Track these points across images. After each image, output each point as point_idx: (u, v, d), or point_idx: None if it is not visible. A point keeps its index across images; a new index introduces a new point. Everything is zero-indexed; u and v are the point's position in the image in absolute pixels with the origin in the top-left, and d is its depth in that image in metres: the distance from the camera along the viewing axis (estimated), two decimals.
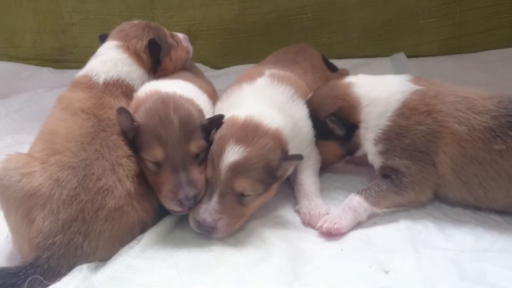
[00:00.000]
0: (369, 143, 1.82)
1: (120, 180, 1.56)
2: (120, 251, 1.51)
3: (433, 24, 3.40)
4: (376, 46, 3.41)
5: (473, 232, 1.58)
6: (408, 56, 3.29)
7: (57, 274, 1.42)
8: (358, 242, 1.56)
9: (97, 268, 1.44)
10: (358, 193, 1.72)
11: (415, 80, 1.86)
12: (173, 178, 1.56)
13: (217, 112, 1.80)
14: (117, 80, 1.90)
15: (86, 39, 3.36)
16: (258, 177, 1.59)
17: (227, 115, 1.72)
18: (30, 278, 1.38)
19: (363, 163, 1.95)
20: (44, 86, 3.19)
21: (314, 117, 1.91)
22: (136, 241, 1.55)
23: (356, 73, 2.04)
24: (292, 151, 1.72)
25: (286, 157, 1.65)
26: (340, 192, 1.86)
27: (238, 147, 1.58)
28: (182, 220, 1.70)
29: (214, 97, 2.06)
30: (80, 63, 3.44)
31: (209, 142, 1.67)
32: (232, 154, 1.57)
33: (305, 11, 3.35)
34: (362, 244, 1.55)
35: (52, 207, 1.46)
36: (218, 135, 1.65)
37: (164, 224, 1.65)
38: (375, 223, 1.67)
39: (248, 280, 1.41)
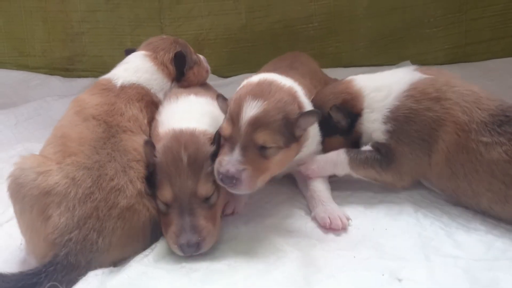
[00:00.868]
0: (377, 122, 1.85)
1: (131, 181, 1.62)
2: (134, 258, 1.54)
3: (439, 33, 3.41)
4: (383, 55, 3.42)
5: (484, 240, 1.58)
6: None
7: (76, 270, 1.46)
8: (370, 250, 1.57)
9: (111, 274, 1.46)
10: (346, 151, 1.86)
11: (423, 70, 1.91)
12: (178, 220, 1.57)
13: None
14: (133, 84, 1.98)
15: (95, 48, 3.39)
16: (278, 129, 1.62)
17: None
18: (50, 276, 1.43)
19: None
20: (53, 95, 3.21)
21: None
22: (150, 250, 1.57)
23: None
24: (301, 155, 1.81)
25: (303, 113, 1.68)
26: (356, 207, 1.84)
27: (256, 101, 1.62)
28: None
29: None
30: (89, 72, 3.54)
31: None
32: (251, 109, 1.61)
33: (312, 20, 3.37)
34: (373, 251, 1.56)
35: (68, 205, 1.52)
36: (235, 95, 1.69)
37: None
38: (386, 229, 1.68)
39: None
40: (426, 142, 1.76)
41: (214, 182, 1.62)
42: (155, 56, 2.12)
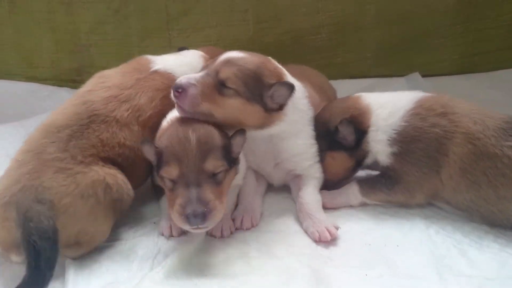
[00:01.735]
0: (382, 144, 1.84)
1: (72, 157, 1.71)
2: (145, 275, 1.54)
3: (446, 43, 3.39)
4: (391, 66, 3.41)
5: (498, 258, 1.57)
6: (423, 75, 3.29)
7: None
8: (382, 267, 1.56)
9: None
10: (357, 181, 1.89)
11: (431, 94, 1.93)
12: (184, 193, 1.56)
13: None
14: (167, 73, 2.01)
15: (103, 59, 3.39)
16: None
17: None
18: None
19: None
20: None
21: (324, 129, 1.92)
22: (161, 267, 1.57)
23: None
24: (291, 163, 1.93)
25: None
26: (366, 223, 1.86)
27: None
28: (206, 245, 1.71)
29: None
30: None
31: (231, 163, 1.68)
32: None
33: (320, 31, 3.36)
34: (386, 269, 1.55)
35: (7, 174, 1.67)
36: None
37: (188, 249, 1.66)
38: (398, 246, 1.67)
39: None
40: (433, 158, 1.76)
41: (223, 160, 1.63)
42: (208, 59, 2.13)
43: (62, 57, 3.49)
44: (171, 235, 1.77)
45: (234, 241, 1.73)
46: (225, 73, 1.70)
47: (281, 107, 1.79)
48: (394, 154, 1.82)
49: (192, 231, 1.61)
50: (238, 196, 1.95)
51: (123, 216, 1.84)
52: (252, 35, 3.37)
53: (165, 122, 1.82)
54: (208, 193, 1.57)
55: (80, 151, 1.71)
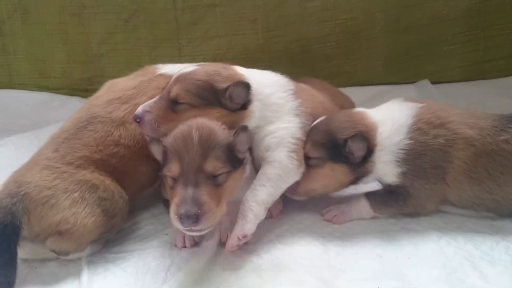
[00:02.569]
0: (390, 165, 1.84)
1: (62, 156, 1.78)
2: None
3: (457, 51, 3.40)
4: (400, 73, 3.41)
5: (509, 271, 1.57)
6: (432, 83, 3.29)
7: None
8: (394, 281, 1.55)
9: None
10: (366, 196, 1.91)
11: (412, 100, 1.95)
12: (181, 192, 1.57)
13: None
14: (170, 76, 1.99)
15: (114, 69, 3.42)
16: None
17: None
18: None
19: None
20: None
21: (328, 139, 1.86)
22: (174, 280, 1.58)
23: (381, 101, 2.07)
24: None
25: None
26: (378, 234, 1.86)
27: None
28: (218, 257, 1.72)
29: None
30: None
31: (235, 165, 1.68)
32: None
33: (329, 39, 3.38)
34: (398, 282, 1.54)
35: None
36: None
37: (201, 261, 1.68)
38: (409, 258, 1.67)
39: None
40: (439, 167, 1.81)
41: (225, 161, 1.63)
42: None
43: (74, 67, 3.53)
44: (183, 246, 1.79)
45: (246, 254, 1.73)
46: (174, 91, 1.76)
47: (244, 105, 1.81)
48: (403, 174, 1.83)
49: (187, 232, 1.62)
50: None
51: (124, 222, 1.89)
52: (261, 44, 3.39)
53: None
54: (204, 194, 1.56)
55: (71, 151, 1.77)
